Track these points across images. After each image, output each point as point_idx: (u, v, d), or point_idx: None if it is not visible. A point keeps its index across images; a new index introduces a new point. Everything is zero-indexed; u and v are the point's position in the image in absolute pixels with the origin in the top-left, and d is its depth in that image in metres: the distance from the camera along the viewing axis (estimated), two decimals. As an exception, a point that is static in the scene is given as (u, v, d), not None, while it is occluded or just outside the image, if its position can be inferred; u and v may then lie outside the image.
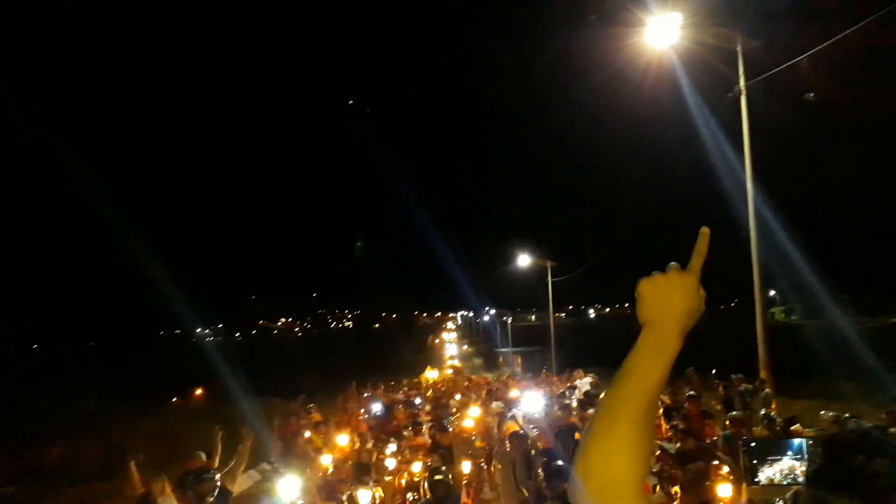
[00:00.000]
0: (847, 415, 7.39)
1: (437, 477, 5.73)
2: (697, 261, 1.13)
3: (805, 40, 11.10)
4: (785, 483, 3.01)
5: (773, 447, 2.81)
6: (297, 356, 60.37)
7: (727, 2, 12.66)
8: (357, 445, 9.57)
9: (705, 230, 1.16)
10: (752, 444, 2.85)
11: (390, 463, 8.69)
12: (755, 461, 2.78)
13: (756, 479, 2.81)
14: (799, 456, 2.68)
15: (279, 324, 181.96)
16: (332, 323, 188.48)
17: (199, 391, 28.09)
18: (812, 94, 11.05)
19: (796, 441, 2.78)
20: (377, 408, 12.81)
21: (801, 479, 2.52)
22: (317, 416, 12.39)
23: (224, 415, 15.25)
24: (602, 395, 1.17)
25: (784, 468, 2.74)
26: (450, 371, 30.54)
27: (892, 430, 8.12)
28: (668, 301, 1.09)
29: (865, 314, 51.63)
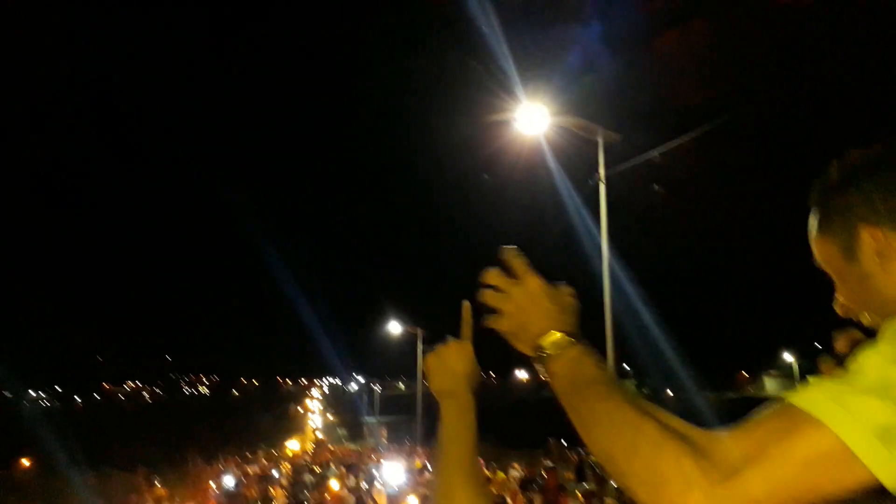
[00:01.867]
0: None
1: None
2: (466, 329, 1.29)
3: (660, 136, 12.29)
4: None
5: None
6: (143, 424, 55.70)
7: (591, 98, 13.80)
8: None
9: (466, 303, 1.29)
10: None
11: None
12: None
13: None
14: None
15: (125, 387, 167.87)
16: (185, 388, 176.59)
17: (25, 462, 25.19)
18: (658, 187, 12.17)
19: None
20: (229, 482, 12.02)
21: None
22: (160, 491, 11.41)
23: (53, 489, 13.69)
24: (433, 470, 1.26)
25: None
26: (312, 441, 29.40)
27: None
28: (451, 367, 1.24)
29: (710, 389, 55.73)
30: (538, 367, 1.02)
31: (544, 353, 0.99)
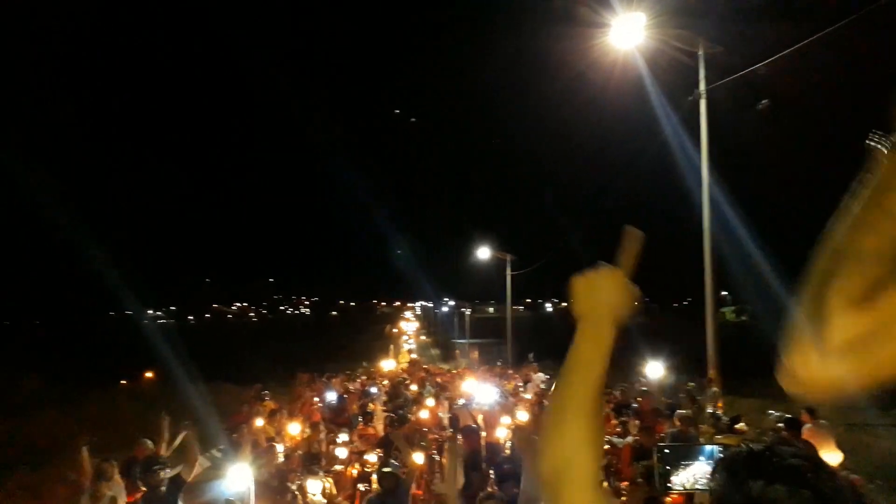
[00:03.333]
0: (789, 416, 7.60)
1: (386, 469, 5.73)
2: (627, 259, 1.25)
3: (766, 46, 11.33)
4: (696, 488, 3.03)
5: (685, 453, 2.85)
6: (251, 342, 59.59)
7: (691, 4, 12.82)
8: (308, 435, 9.48)
9: (633, 231, 1.26)
10: (666, 451, 2.88)
11: (341, 453, 8.63)
12: (668, 467, 2.81)
13: (669, 484, 2.84)
14: (710, 461, 2.72)
15: (234, 308, 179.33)
16: (288, 309, 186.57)
17: (148, 374, 27.56)
18: (765, 102, 11.34)
19: (707, 447, 2.83)
20: (331, 397, 12.71)
21: (711, 485, 2.60)
22: (270, 405, 12.22)
23: (173, 399, 14.95)
24: (552, 391, 1.24)
25: (696, 473, 2.78)
26: (407, 360, 30.46)
27: (808, 425, 8.29)
28: (599, 295, 1.20)
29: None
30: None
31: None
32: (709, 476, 2.69)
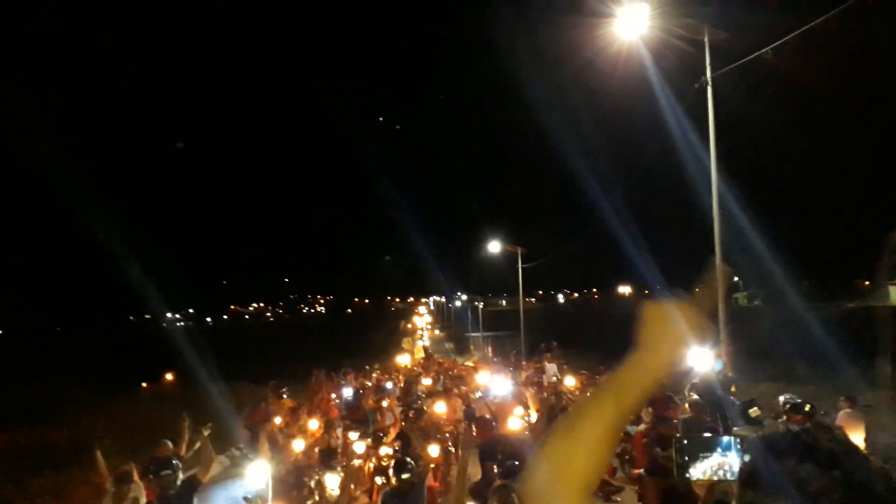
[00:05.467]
0: (800, 401, 7.65)
1: (405, 476, 5.88)
2: (705, 295, 1.19)
3: (772, 32, 11.32)
4: (714, 479, 3.10)
5: (703, 444, 2.89)
6: (268, 341, 60.08)
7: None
8: (324, 431, 9.63)
9: (723, 267, 1.21)
10: (684, 441, 2.93)
11: (358, 447, 8.77)
12: (686, 457, 2.85)
13: (687, 475, 2.89)
14: (728, 453, 2.76)
15: (251, 309, 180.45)
16: (304, 308, 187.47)
17: (169, 376, 27.97)
18: (771, 90, 11.36)
19: (724, 439, 2.87)
20: (347, 393, 12.87)
21: (728, 476, 2.65)
22: (289, 402, 12.37)
23: (194, 400, 15.18)
24: (586, 397, 1.21)
25: (714, 464, 2.84)
26: (421, 355, 30.66)
27: (846, 410, 8.44)
28: (664, 327, 1.13)
29: (827, 299, 52.76)
30: None
31: None
32: (725, 466, 2.76)
